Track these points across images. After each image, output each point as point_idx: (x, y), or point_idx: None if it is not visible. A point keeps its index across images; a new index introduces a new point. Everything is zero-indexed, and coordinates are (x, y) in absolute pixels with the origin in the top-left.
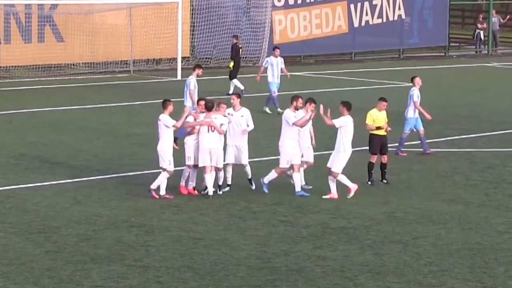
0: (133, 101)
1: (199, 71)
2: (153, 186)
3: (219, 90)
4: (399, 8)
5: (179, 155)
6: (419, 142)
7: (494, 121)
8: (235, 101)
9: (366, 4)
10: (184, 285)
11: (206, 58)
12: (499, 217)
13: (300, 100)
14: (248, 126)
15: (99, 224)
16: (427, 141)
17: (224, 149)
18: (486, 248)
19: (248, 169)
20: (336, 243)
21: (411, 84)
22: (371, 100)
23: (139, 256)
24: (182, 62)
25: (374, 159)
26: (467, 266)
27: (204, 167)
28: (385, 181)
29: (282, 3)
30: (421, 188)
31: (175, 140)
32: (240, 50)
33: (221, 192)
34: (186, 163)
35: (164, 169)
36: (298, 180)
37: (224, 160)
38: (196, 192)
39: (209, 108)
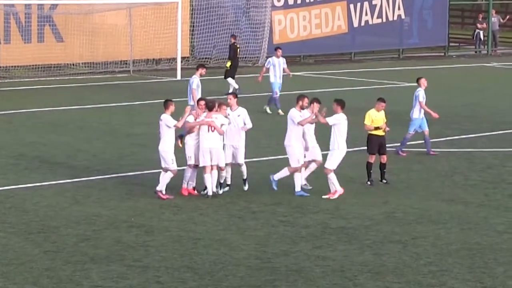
0: (132, 101)
1: (202, 71)
2: (159, 187)
3: (218, 90)
4: (399, 8)
5: (179, 155)
6: (422, 142)
7: (493, 121)
8: (232, 100)
9: (366, 4)
10: (184, 285)
11: (205, 58)
12: (499, 217)
13: (305, 100)
14: (245, 124)
15: (98, 224)
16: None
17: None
18: (486, 248)
19: (244, 168)
20: (336, 243)
21: (410, 84)
22: (371, 100)
23: (138, 256)
24: (181, 62)
25: (372, 159)
26: (466, 266)
27: (204, 167)
28: (384, 181)
29: (281, 3)
30: (420, 188)
31: (181, 137)
32: (238, 49)
33: (221, 192)
34: (187, 163)
35: (166, 169)
36: (299, 180)
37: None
38: (195, 192)
39: (210, 107)
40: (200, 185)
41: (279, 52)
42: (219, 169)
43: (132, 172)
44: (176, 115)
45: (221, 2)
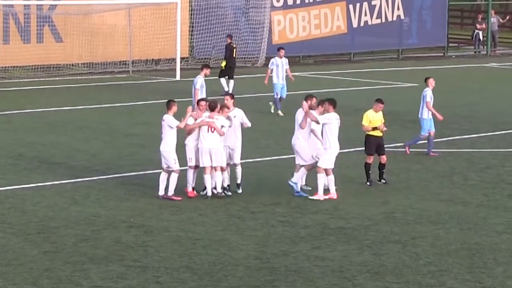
0: (132, 102)
1: (206, 71)
2: (171, 191)
3: (218, 90)
4: (398, 9)
5: (179, 155)
6: (423, 142)
7: (493, 121)
8: (229, 101)
9: (365, 4)
10: (183, 285)
11: (205, 59)
12: (498, 217)
13: (314, 100)
14: (244, 123)
15: (97, 224)
16: (426, 141)
17: None
18: (485, 248)
19: (239, 170)
20: (335, 243)
21: (409, 84)
22: (370, 101)
23: (138, 257)
24: (181, 62)
25: (370, 159)
26: (466, 266)
27: (204, 168)
28: (383, 181)
29: (281, 3)
30: (419, 188)
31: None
32: (234, 50)
33: (230, 193)
34: (188, 165)
35: (167, 170)
36: (299, 180)
37: None
38: (195, 192)
39: (212, 108)
40: (200, 186)
41: (282, 52)
42: (221, 170)
43: (131, 173)
44: (177, 116)
45: (221, 3)
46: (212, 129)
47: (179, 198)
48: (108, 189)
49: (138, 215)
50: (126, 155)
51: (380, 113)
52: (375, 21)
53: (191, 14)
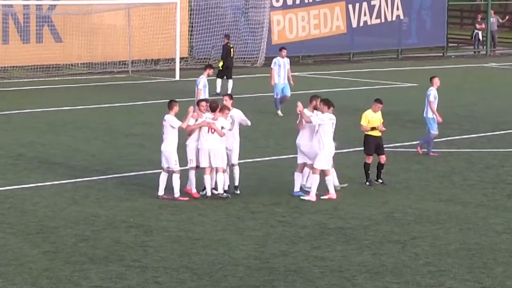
0: (131, 102)
1: (210, 71)
2: (176, 193)
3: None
4: (397, 9)
5: (180, 156)
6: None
7: (492, 121)
8: (227, 102)
9: (365, 4)
10: (183, 285)
11: (204, 59)
12: (497, 217)
13: (319, 100)
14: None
15: (97, 224)
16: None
17: None
18: (485, 248)
19: (236, 170)
20: (334, 243)
21: (408, 84)
22: (369, 101)
23: (137, 257)
24: (180, 62)
25: (369, 159)
26: (465, 266)
27: (204, 168)
28: (380, 180)
29: (280, 3)
30: (419, 188)
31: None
32: (231, 50)
33: (229, 195)
34: (189, 166)
35: (167, 170)
36: (299, 180)
37: None
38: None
39: (213, 108)
40: (199, 186)
41: (284, 52)
42: (222, 171)
43: (131, 173)
44: (177, 116)
45: (220, 3)
46: (212, 130)
47: (186, 199)
48: (108, 189)
49: (137, 215)
50: (125, 155)
51: (379, 113)
52: (375, 21)
53: (191, 14)
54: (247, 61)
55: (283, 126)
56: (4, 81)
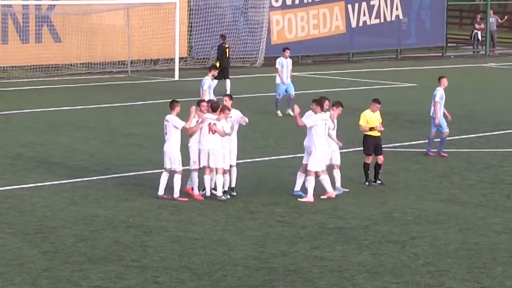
0: (130, 102)
1: (214, 72)
2: (176, 193)
3: (221, 90)
4: (397, 9)
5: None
6: (421, 142)
7: (492, 121)
8: (227, 102)
9: (364, 4)
10: (182, 285)
11: (203, 59)
12: (496, 217)
13: (327, 102)
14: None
15: (96, 224)
16: (426, 141)
17: None
18: (484, 248)
19: (234, 172)
20: (334, 243)
21: (408, 84)
22: (369, 101)
23: (136, 257)
24: (179, 62)
25: (369, 160)
26: (464, 266)
27: (204, 168)
28: (378, 181)
29: (279, 3)
30: (418, 188)
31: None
32: (227, 50)
33: (228, 196)
34: (192, 168)
35: (169, 170)
36: (301, 180)
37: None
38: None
39: (214, 108)
40: (199, 186)
41: (287, 52)
42: (222, 172)
43: (130, 173)
44: (178, 116)
45: (219, 3)
46: (213, 131)
47: (186, 199)
48: (107, 189)
49: (137, 215)
50: (125, 155)
51: (378, 113)
52: (374, 21)
53: (190, 14)
54: (247, 61)
55: (282, 126)
56: (3, 81)
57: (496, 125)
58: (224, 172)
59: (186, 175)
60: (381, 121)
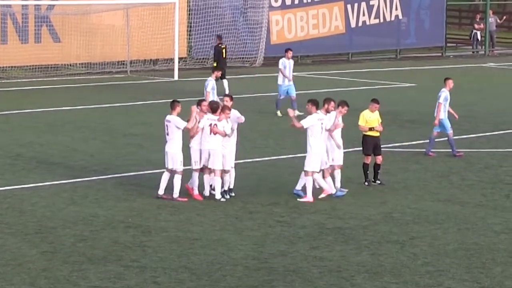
0: (130, 102)
1: (218, 73)
2: (176, 193)
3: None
4: (396, 9)
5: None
6: (420, 142)
7: (491, 121)
8: (228, 103)
9: (363, 4)
10: (181, 285)
11: (203, 59)
12: (496, 217)
13: (332, 103)
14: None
15: (95, 224)
16: (425, 141)
17: None
18: (483, 248)
19: (232, 173)
20: (333, 243)
21: (407, 84)
22: (368, 101)
23: (136, 257)
24: (179, 62)
25: (368, 160)
26: (464, 266)
27: (203, 168)
28: (378, 181)
29: (279, 3)
30: (417, 188)
31: None
32: (224, 50)
33: (228, 197)
34: (193, 168)
35: (171, 170)
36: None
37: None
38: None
39: (214, 109)
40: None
41: (290, 53)
42: (224, 172)
43: (129, 173)
44: (179, 116)
45: (218, 3)
46: (214, 132)
47: (185, 199)
48: (107, 189)
49: (136, 215)
50: (124, 155)
51: (377, 112)
52: (373, 21)
53: (189, 14)
54: (246, 61)
55: (282, 126)
56: (3, 81)
57: (495, 125)
58: (225, 172)
59: (187, 175)
60: (380, 121)
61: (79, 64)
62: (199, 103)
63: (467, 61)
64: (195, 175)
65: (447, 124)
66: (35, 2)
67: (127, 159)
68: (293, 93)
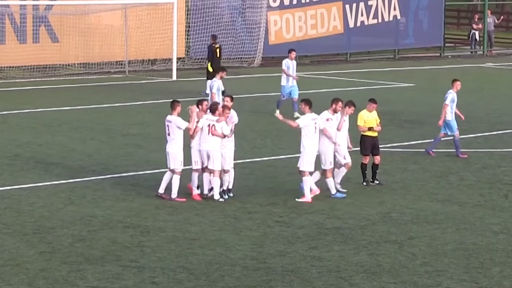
0: (128, 102)
1: (223, 74)
2: (174, 194)
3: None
4: (394, 9)
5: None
6: (418, 142)
7: (489, 121)
8: (228, 103)
9: (361, 4)
10: (180, 285)
11: (201, 59)
12: (494, 218)
13: (339, 104)
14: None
15: (94, 224)
16: (424, 141)
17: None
18: (481, 249)
19: (231, 173)
20: (331, 243)
21: (405, 84)
22: (367, 101)
23: (134, 257)
24: (177, 62)
25: (366, 160)
26: (462, 266)
27: (203, 168)
28: (376, 181)
29: (277, 3)
30: (416, 188)
31: None
32: (218, 50)
33: (226, 197)
34: (193, 168)
35: (173, 170)
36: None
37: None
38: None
39: (213, 110)
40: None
41: (293, 54)
42: (219, 173)
43: (127, 173)
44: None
45: (217, 3)
46: (213, 134)
47: (183, 200)
48: (104, 189)
49: (134, 215)
50: (122, 155)
51: (374, 112)
52: (372, 21)
53: (188, 14)
54: (244, 61)
55: (280, 126)
56: (1, 81)
57: (493, 125)
58: (224, 171)
59: (187, 175)
60: (379, 121)
61: (77, 64)
62: (199, 103)
63: (465, 61)
64: (195, 175)
65: (454, 126)
66: (33, 2)
67: (125, 159)
68: (296, 95)
